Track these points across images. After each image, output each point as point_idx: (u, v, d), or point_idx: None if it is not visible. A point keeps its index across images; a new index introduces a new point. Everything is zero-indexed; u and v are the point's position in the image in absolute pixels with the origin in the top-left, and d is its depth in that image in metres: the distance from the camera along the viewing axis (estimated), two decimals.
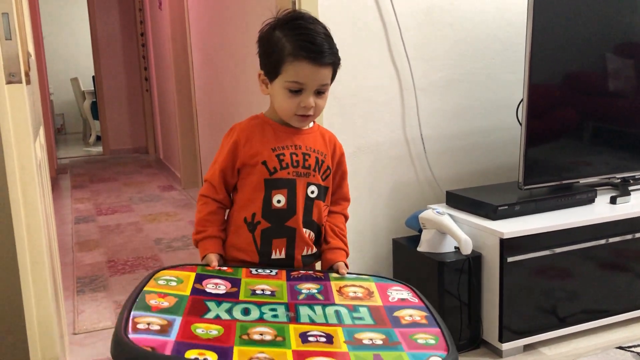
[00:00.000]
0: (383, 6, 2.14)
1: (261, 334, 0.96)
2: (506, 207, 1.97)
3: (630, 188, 2.22)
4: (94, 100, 7.16)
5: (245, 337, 0.94)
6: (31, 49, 1.54)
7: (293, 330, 0.99)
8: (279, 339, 0.95)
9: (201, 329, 0.95)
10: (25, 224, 1.07)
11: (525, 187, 2.04)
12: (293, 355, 0.90)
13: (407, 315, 1.10)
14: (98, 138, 7.30)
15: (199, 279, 1.15)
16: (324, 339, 0.97)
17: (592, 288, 2.03)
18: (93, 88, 7.21)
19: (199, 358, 0.86)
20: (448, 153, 2.33)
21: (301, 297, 1.14)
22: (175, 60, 4.56)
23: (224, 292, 1.11)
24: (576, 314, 2.02)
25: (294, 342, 0.94)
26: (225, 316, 1.01)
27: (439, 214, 1.98)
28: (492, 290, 1.92)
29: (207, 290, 1.11)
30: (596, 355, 1.90)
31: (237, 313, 1.03)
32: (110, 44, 6.55)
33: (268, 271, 1.25)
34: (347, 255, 1.39)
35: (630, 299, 2.10)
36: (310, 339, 0.96)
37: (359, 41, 2.13)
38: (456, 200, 2.13)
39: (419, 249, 2.02)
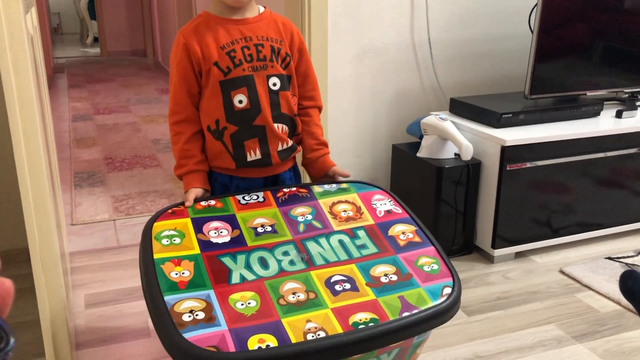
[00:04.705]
0: None
1: (294, 293, 0.99)
2: (510, 115, 1.94)
3: (638, 103, 2.18)
4: None
5: (282, 302, 0.97)
6: None
7: (317, 278, 1.03)
8: (312, 295, 0.99)
9: (240, 303, 0.96)
10: (17, 96, 1.04)
11: (531, 97, 2.00)
12: (335, 316, 0.95)
13: (400, 233, 1.17)
14: (95, 39, 7.10)
15: (197, 226, 1.13)
16: (348, 286, 1.02)
17: (588, 201, 2.03)
18: None
19: (262, 346, 0.87)
20: (455, 60, 2.26)
21: (301, 227, 1.16)
22: None
23: (228, 239, 1.10)
24: (569, 226, 2.03)
25: (327, 298, 0.98)
26: (250, 276, 1.02)
27: (442, 120, 1.95)
28: (488, 198, 1.93)
29: (213, 240, 1.10)
30: (584, 264, 1.93)
31: (257, 268, 1.04)
32: None
33: (255, 197, 1.24)
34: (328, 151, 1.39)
35: (624, 213, 2.12)
36: (337, 287, 1.01)
37: None
38: (460, 107, 2.09)
39: (419, 154, 2.00)
